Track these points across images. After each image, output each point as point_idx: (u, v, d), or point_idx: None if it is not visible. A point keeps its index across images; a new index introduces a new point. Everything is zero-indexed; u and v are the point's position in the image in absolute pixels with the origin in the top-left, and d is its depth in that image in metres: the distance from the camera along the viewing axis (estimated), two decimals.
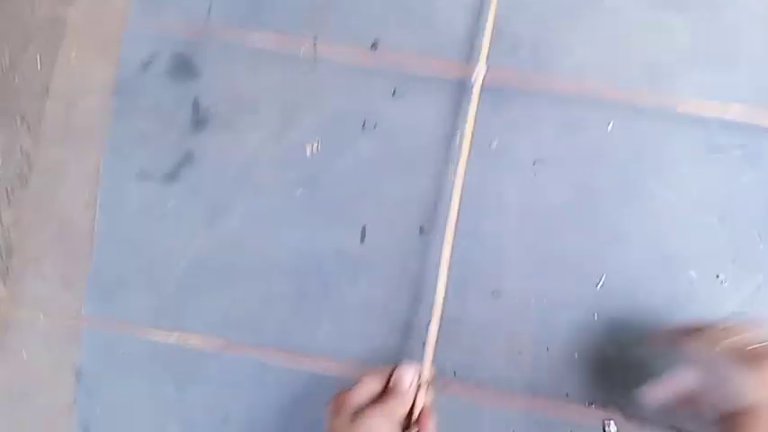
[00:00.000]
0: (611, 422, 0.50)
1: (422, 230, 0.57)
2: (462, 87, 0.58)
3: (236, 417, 0.56)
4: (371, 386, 0.47)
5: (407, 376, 0.47)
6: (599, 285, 0.53)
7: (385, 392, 0.47)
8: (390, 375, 0.48)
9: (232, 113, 0.61)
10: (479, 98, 0.57)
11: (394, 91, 0.59)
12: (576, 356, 0.52)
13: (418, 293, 0.55)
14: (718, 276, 0.52)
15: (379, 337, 0.55)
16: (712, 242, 0.53)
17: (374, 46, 0.60)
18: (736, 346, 0.39)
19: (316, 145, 0.59)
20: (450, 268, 0.51)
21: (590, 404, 0.51)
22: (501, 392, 0.53)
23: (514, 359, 0.53)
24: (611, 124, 0.56)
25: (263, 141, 0.60)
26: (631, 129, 0.56)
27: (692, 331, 0.44)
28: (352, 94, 0.60)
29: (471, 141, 0.54)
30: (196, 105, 0.62)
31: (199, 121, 0.62)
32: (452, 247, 0.55)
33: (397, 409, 0.46)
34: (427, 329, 0.50)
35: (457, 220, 0.52)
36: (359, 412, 0.45)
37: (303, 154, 0.59)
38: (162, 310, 0.59)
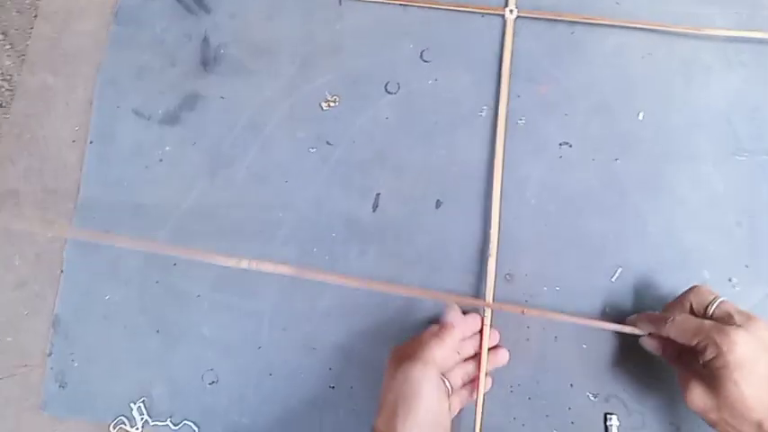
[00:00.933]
0: (614, 416, 0.49)
1: (438, 204, 0.54)
2: (494, 58, 0.55)
3: (225, 380, 0.53)
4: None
5: (450, 312, 0.49)
6: (614, 278, 0.52)
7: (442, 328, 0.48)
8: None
9: (245, 57, 0.56)
10: (510, 72, 0.54)
11: (422, 53, 0.56)
12: (584, 347, 0.51)
13: (427, 271, 0.53)
14: (730, 280, 0.52)
15: (382, 313, 0.53)
16: (728, 245, 0.52)
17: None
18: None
19: (333, 102, 0.55)
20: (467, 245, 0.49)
21: (594, 396, 0.50)
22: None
23: (521, 345, 0.52)
24: (641, 114, 0.54)
25: (278, 92, 0.56)
26: (662, 120, 0.54)
27: (671, 310, 0.47)
28: (377, 50, 0.56)
29: (505, 117, 0.51)
30: (206, 43, 0.57)
31: (207, 60, 0.57)
32: (465, 226, 0.53)
33: (434, 350, 0.45)
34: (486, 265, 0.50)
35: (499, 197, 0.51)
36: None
37: (319, 110, 0.55)
38: (151, 261, 0.55)
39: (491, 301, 0.51)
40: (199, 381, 0.53)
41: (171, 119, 0.57)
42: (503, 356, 0.50)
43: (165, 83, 0.57)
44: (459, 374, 0.48)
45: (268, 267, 0.52)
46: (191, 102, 0.57)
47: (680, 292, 0.48)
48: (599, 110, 0.54)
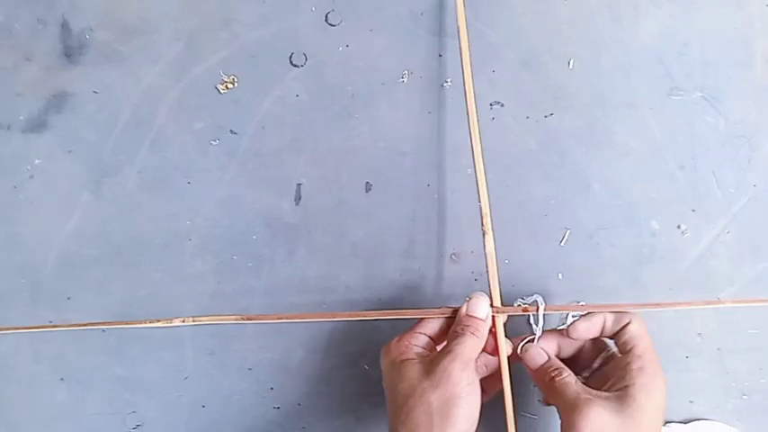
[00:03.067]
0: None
1: (368, 187, 0.48)
2: (408, 15, 0.49)
3: (151, 420, 0.46)
4: (432, 326, 0.42)
5: (482, 306, 0.41)
6: (563, 242, 0.49)
7: (453, 331, 0.41)
8: (453, 314, 0.42)
9: (116, 40, 0.47)
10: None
11: (327, 16, 0.49)
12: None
13: (366, 263, 0.48)
14: (679, 227, 0.50)
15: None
16: (673, 191, 0.50)
17: None
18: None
19: (231, 83, 0.48)
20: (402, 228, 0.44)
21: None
22: None
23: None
24: (572, 61, 0.50)
25: (163, 77, 0.47)
26: (592, 66, 0.50)
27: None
28: (274, 17, 0.48)
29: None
30: (65, 28, 0.47)
31: (71, 49, 0.47)
32: (400, 208, 0.48)
33: (474, 347, 0.40)
34: (483, 242, 0.43)
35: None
36: (426, 357, 0.40)
37: (216, 95, 0.47)
38: (39, 297, 0.46)
39: (499, 296, 0.43)
40: (120, 427, 0.46)
41: (36, 125, 0.47)
42: (507, 347, 0.43)
43: (21, 82, 0.48)
44: (482, 363, 0.43)
45: (213, 320, 0.44)
46: (58, 102, 0.47)
47: (630, 247, 0.46)
48: (528, 62, 0.50)
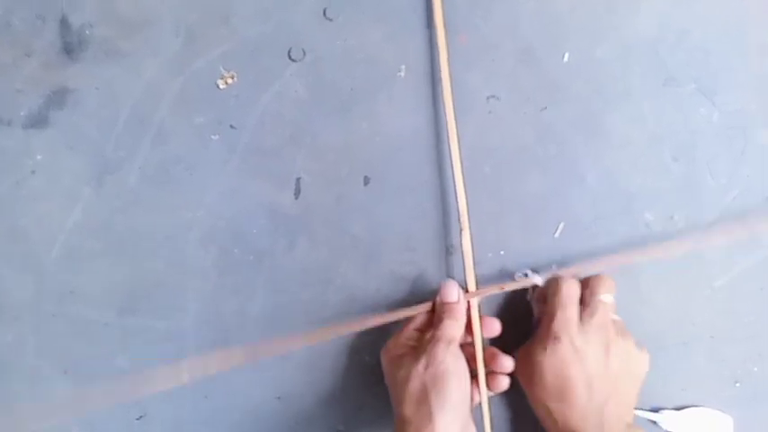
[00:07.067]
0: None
1: (366, 181, 0.49)
2: (406, 7, 0.49)
3: (154, 411, 0.47)
4: (419, 320, 0.46)
5: (452, 291, 0.46)
6: (557, 234, 0.50)
7: (435, 319, 0.46)
8: (433, 305, 0.46)
9: (117, 36, 0.47)
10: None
11: (325, 10, 0.49)
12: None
13: (365, 256, 0.48)
14: (672, 218, 0.51)
15: (323, 306, 0.48)
16: (667, 182, 0.51)
17: None
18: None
19: (231, 78, 0.48)
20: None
21: None
22: None
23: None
24: (566, 54, 0.50)
25: (163, 73, 0.47)
26: (588, 58, 0.50)
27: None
28: (272, 11, 0.48)
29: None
30: (65, 24, 0.47)
31: (71, 45, 0.47)
32: (399, 201, 0.48)
33: (452, 328, 0.44)
34: (461, 238, 0.46)
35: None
36: (417, 347, 0.44)
37: (216, 90, 0.48)
38: (43, 290, 0.47)
39: (474, 283, 0.47)
40: (123, 418, 0.46)
41: (37, 121, 0.47)
42: (495, 326, 0.47)
43: (21, 78, 0.47)
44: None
45: (218, 358, 0.46)
46: (59, 98, 0.47)
47: (624, 238, 0.47)
48: (524, 55, 0.50)
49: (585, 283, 0.47)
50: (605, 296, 0.45)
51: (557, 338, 0.43)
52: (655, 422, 0.50)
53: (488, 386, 0.46)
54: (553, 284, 0.46)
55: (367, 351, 0.50)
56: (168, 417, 0.47)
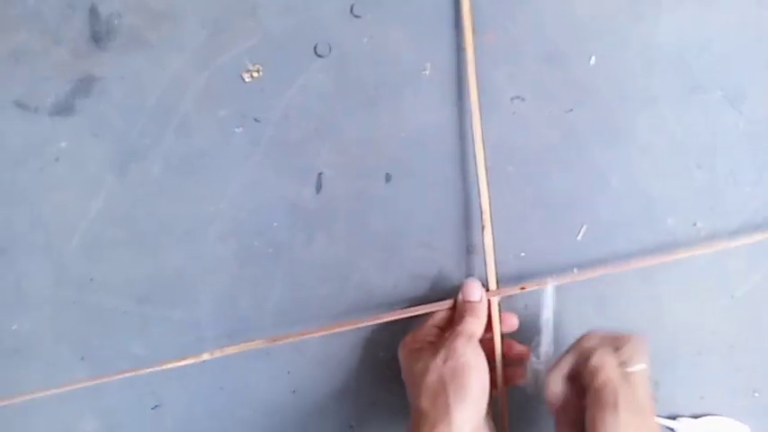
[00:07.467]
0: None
1: (388, 178, 0.49)
2: (432, 7, 0.49)
3: (169, 400, 0.47)
4: (439, 317, 0.47)
5: (475, 289, 0.46)
6: (579, 236, 0.49)
7: (456, 316, 0.46)
8: (454, 303, 0.47)
9: (144, 27, 0.48)
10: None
11: (352, 7, 0.49)
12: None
13: (385, 252, 0.48)
14: (695, 224, 0.50)
15: (341, 301, 0.48)
16: (691, 189, 0.50)
17: None
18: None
19: (256, 72, 0.48)
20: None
21: None
22: None
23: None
24: (593, 58, 0.50)
25: (189, 65, 0.48)
26: (615, 63, 0.50)
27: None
28: (300, 6, 0.48)
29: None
30: (94, 14, 0.47)
31: (99, 35, 0.48)
32: (420, 198, 0.48)
33: (474, 325, 0.45)
34: (482, 237, 0.47)
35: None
36: (436, 342, 0.44)
37: (241, 83, 0.48)
38: (63, 278, 0.47)
39: (495, 281, 0.48)
40: (138, 407, 0.47)
41: (63, 108, 0.48)
42: (513, 321, 0.48)
43: (50, 66, 0.48)
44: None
45: (240, 347, 0.46)
46: (85, 86, 0.48)
47: (646, 243, 0.47)
48: (550, 57, 0.50)
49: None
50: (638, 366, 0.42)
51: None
52: (672, 429, 0.50)
53: (507, 380, 0.46)
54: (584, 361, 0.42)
55: (382, 347, 0.50)
56: (183, 407, 0.47)
